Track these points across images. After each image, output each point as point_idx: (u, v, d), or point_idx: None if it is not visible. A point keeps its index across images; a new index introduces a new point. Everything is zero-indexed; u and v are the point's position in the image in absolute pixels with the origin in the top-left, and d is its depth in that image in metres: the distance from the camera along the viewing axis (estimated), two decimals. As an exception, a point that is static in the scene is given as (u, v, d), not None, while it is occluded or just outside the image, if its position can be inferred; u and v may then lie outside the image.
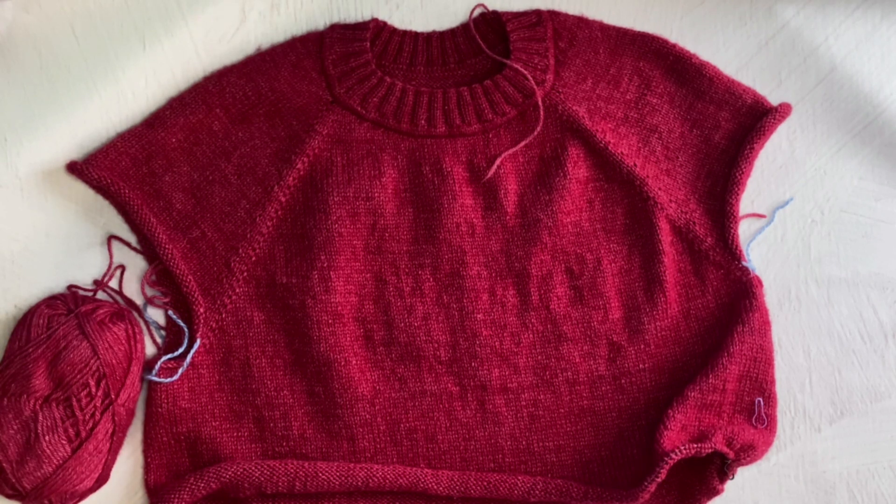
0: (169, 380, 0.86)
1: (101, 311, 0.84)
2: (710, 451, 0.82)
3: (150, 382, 0.86)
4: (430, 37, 0.94)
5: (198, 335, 0.87)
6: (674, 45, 0.94)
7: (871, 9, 0.97)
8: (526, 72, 0.92)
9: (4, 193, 0.90)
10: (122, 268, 0.90)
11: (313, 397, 0.88)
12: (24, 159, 0.91)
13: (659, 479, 0.81)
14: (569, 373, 0.89)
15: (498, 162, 0.91)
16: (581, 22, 0.95)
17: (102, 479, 0.83)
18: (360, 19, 0.95)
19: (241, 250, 0.89)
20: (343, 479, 0.83)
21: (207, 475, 0.83)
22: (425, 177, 0.91)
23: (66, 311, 0.84)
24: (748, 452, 0.83)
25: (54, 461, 0.80)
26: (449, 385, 0.88)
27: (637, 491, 0.81)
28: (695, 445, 0.81)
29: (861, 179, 0.94)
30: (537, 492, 0.84)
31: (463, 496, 0.85)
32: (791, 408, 0.90)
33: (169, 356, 0.87)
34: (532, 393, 0.88)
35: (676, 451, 0.81)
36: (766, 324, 0.88)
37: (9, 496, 0.81)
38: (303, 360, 0.88)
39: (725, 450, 0.82)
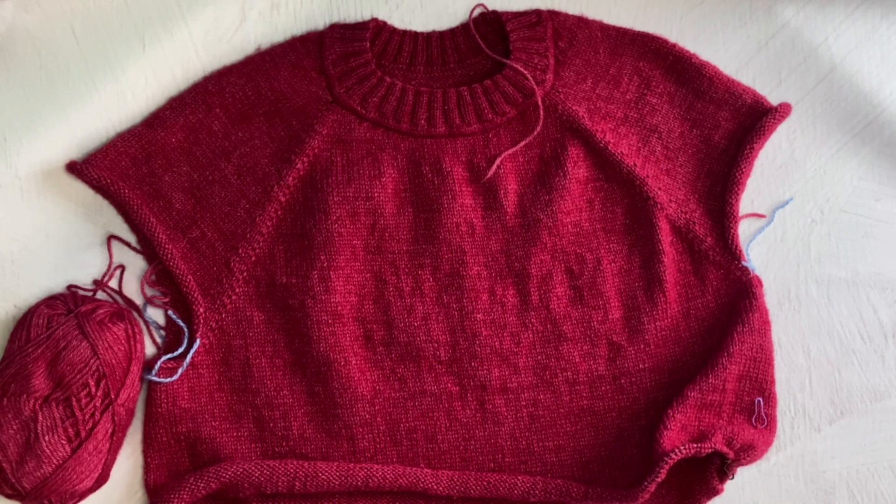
0: (169, 380, 0.86)
1: (101, 311, 0.84)
2: (709, 451, 0.82)
3: (150, 382, 0.86)
4: (429, 37, 0.94)
5: (197, 335, 0.87)
6: (674, 45, 0.94)
7: (871, 9, 0.97)
8: (526, 72, 0.92)
9: (4, 193, 0.90)
10: (122, 268, 0.90)
11: (313, 397, 0.87)
12: (24, 159, 0.91)
13: (659, 479, 0.81)
14: (569, 373, 0.89)
15: (498, 162, 0.91)
16: (581, 22, 0.95)
17: (102, 479, 0.83)
18: (360, 19, 0.95)
19: (240, 250, 0.89)
20: (343, 479, 0.83)
21: (207, 475, 0.83)
22: (425, 177, 0.91)
23: (65, 310, 0.84)
24: (748, 452, 0.83)
25: (54, 461, 0.80)
26: (449, 385, 0.88)
27: (637, 491, 0.81)
28: (694, 445, 0.81)
29: (861, 179, 0.94)
30: (537, 492, 0.84)
31: (463, 496, 0.85)
32: (791, 408, 0.90)
33: (169, 356, 0.87)
34: (532, 393, 0.88)
35: (676, 450, 0.81)
36: (765, 324, 0.88)
37: (8, 496, 0.81)
38: (303, 360, 0.88)
39: (725, 450, 0.82)
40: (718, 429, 0.84)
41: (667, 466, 0.81)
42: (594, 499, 0.84)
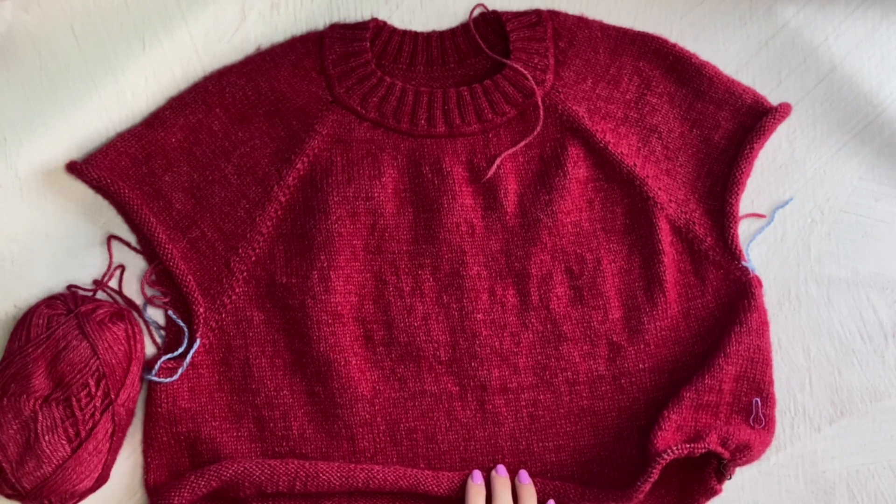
0: (169, 380, 0.86)
1: (101, 311, 0.84)
2: (703, 450, 0.82)
3: (150, 382, 0.86)
4: (429, 37, 0.94)
5: (197, 335, 0.87)
6: (674, 45, 0.94)
7: (871, 9, 0.97)
8: (526, 71, 0.92)
9: (4, 193, 0.90)
10: (122, 268, 0.90)
11: (313, 397, 0.88)
12: (24, 159, 0.91)
13: (652, 479, 0.81)
14: (568, 373, 0.89)
15: (498, 162, 0.91)
16: (581, 22, 0.95)
17: (102, 479, 0.83)
18: (360, 19, 0.95)
19: (240, 250, 0.89)
20: (344, 479, 0.83)
21: (208, 473, 0.83)
22: (425, 177, 0.91)
23: (65, 310, 0.84)
24: (744, 452, 0.83)
25: (54, 461, 0.80)
26: (449, 385, 0.88)
27: (630, 491, 0.81)
28: (687, 445, 0.81)
29: (861, 179, 0.94)
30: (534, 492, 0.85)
31: (463, 496, 0.85)
32: (791, 408, 0.90)
33: (169, 356, 0.87)
34: (532, 393, 0.88)
35: (669, 450, 0.81)
36: (763, 324, 0.88)
37: (9, 496, 0.81)
38: (303, 360, 0.88)
39: (720, 450, 0.82)
40: (714, 429, 0.84)
41: (659, 467, 0.81)
42: (590, 499, 0.84)
